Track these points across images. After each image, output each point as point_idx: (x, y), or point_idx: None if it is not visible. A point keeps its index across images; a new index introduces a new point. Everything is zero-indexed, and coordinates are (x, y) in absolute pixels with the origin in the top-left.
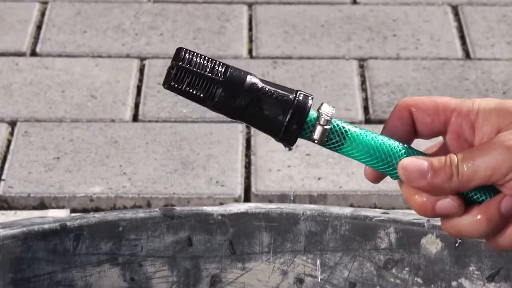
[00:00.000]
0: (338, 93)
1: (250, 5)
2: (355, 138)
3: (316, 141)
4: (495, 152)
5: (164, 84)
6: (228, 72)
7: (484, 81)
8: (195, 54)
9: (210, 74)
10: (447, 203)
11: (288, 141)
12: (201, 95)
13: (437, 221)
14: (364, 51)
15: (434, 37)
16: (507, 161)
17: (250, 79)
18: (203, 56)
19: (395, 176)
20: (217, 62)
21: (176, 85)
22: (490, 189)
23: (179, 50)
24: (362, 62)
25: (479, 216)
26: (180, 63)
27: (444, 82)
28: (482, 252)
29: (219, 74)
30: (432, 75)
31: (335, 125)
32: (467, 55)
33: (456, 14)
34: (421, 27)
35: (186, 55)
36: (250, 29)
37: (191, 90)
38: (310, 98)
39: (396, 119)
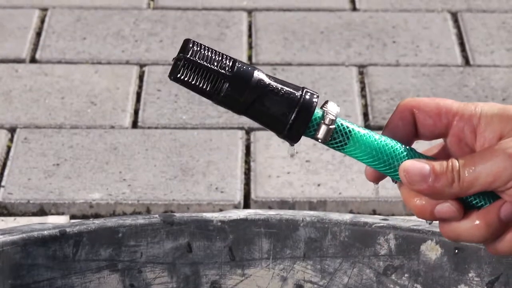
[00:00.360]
0: (338, 99)
1: (249, 12)
2: (359, 138)
3: (319, 140)
4: (496, 159)
5: (170, 76)
6: (236, 67)
7: (484, 87)
8: (203, 46)
9: (217, 68)
10: (446, 207)
11: (292, 139)
12: (207, 89)
13: (437, 228)
14: (363, 58)
15: (433, 43)
16: (508, 168)
17: (257, 74)
18: (211, 49)
19: (396, 178)
20: (225, 56)
21: (182, 77)
22: (490, 195)
23: (187, 41)
24: (361, 69)
25: (478, 221)
26: (187, 55)
27: (443, 89)
28: (481, 259)
29: (227, 68)
30: (431, 81)
31: (339, 125)
32: (466, 62)
33: (456, 21)
34: (421, 34)
35: (194, 47)
36: (250, 36)
37: (197, 83)
38: (316, 96)
39: (398, 119)
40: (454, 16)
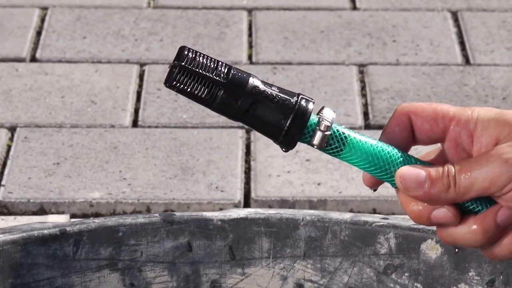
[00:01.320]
0: (338, 98)
1: (250, 11)
2: (354, 144)
3: (315, 146)
4: (492, 164)
5: (165, 83)
6: (231, 74)
7: (484, 87)
8: (198, 53)
9: (212, 75)
10: (442, 212)
11: (288, 145)
12: (202, 96)
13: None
14: (363, 57)
15: (433, 43)
16: (504, 174)
17: (252, 81)
18: (206, 56)
19: (392, 184)
20: (220, 63)
21: (177, 85)
22: (487, 200)
23: (182, 49)
24: (361, 68)
25: (474, 226)
26: (183, 62)
27: (443, 88)
28: (481, 258)
29: (222, 75)
30: (431, 80)
31: (335, 131)
32: (466, 61)
33: (456, 20)
34: (421, 33)
35: (189, 54)
36: (250, 35)
37: (192, 91)
38: (311, 102)
39: (395, 125)
40: (454, 15)
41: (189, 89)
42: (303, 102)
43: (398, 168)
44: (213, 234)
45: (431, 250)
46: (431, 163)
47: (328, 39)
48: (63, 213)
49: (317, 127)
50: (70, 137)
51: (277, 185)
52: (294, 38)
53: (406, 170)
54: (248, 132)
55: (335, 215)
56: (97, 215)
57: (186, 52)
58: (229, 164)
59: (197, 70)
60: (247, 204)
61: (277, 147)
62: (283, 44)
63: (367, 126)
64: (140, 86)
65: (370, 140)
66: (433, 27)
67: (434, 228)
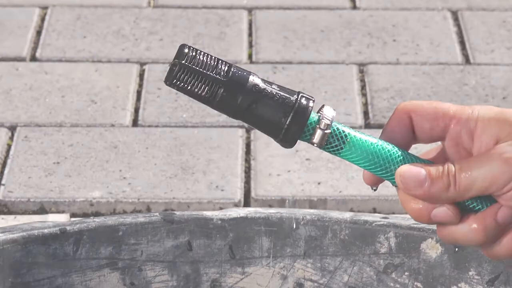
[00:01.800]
0: (338, 98)
1: (250, 10)
2: (355, 142)
3: (315, 144)
4: (493, 164)
5: (165, 81)
6: (231, 72)
7: (484, 86)
8: (199, 52)
9: (212, 74)
10: (443, 211)
11: (288, 143)
12: (202, 94)
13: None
14: (364, 56)
15: (434, 42)
16: (504, 173)
17: (252, 80)
18: (206, 54)
19: (393, 182)
20: (220, 61)
21: (178, 83)
22: (487, 198)
23: (182, 47)
24: (362, 67)
25: (475, 225)
26: (183, 60)
27: (443, 87)
28: (482, 257)
29: (222, 74)
30: (431, 80)
31: (335, 129)
32: (466, 60)
33: (456, 19)
34: (421, 32)
35: (190, 52)
36: (250, 34)
37: (192, 89)
38: (311, 101)
39: (395, 124)
40: (454, 15)
41: (189, 87)
42: (303, 100)
43: (398, 166)
44: (213, 233)
45: (431, 249)
46: (432, 162)
47: (328, 38)
48: (63, 212)
49: (317, 125)
50: (70, 137)
51: (277, 184)
52: (294, 38)
53: (406, 169)
54: (248, 131)
55: (335, 214)
56: (97, 214)
57: (186, 50)
58: (229, 164)
59: (197, 68)
60: (247, 203)
61: (277, 146)
62: (283, 44)
63: (367, 126)
64: (140, 85)
65: (371, 138)
66: (433, 26)
67: (434, 227)
